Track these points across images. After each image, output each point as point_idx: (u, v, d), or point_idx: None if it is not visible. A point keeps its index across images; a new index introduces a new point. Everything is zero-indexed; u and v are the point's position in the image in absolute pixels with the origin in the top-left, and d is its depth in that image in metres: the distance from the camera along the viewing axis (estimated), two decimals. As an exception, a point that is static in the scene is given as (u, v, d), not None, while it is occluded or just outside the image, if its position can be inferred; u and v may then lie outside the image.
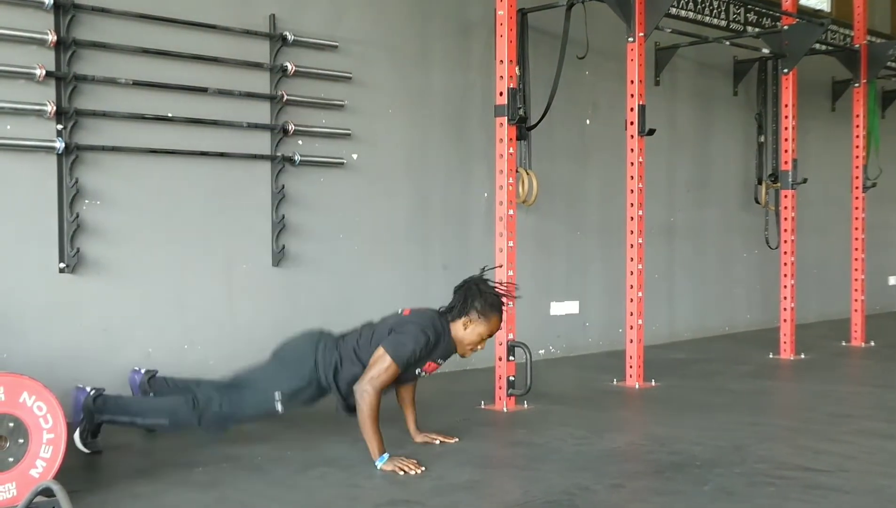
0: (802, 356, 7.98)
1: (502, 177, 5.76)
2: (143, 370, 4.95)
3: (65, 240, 5.22)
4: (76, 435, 4.46)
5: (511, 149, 5.77)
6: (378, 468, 4.24)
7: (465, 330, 4.56)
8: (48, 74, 5.11)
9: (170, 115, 5.65)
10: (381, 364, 4.37)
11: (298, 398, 4.51)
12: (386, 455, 4.27)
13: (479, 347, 4.63)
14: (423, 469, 4.22)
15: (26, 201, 5.14)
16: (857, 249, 8.94)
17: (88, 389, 4.53)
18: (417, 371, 4.58)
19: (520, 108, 6.24)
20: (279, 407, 4.50)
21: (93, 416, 4.49)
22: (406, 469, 4.19)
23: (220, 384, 4.65)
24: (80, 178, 5.27)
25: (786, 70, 8.03)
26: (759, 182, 9.82)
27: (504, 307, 4.71)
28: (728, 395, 6.29)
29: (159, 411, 4.57)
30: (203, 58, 5.79)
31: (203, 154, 5.81)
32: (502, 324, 4.74)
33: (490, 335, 4.63)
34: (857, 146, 8.90)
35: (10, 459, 3.53)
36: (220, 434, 4.63)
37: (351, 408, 4.47)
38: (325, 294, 6.43)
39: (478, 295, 4.56)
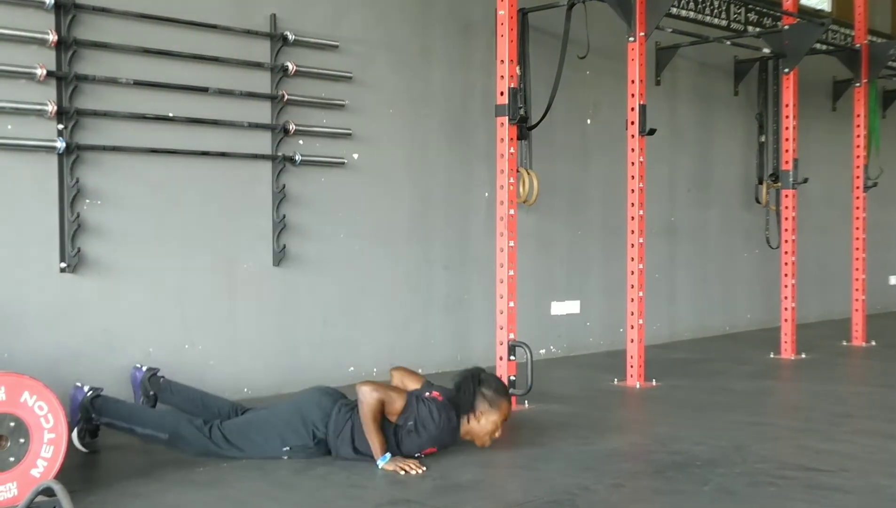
0: (803, 356, 7.98)
1: (503, 177, 5.76)
2: (144, 368, 4.95)
3: (66, 240, 5.22)
4: (74, 435, 4.46)
5: (512, 149, 5.77)
6: (379, 467, 4.24)
7: (479, 423, 4.54)
8: (49, 73, 5.11)
9: (171, 114, 5.65)
10: (394, 399, 4.38)
11: (304, 453, 4.49)
12: (388, 455, 4.27)
13: (496, 434, 4.59)
14: (425, 468, 4.22)
15: (27, 201, 5.14)
16: (857, 248, 8.94)
17: (86, 389, 4.52)
18: (417, 455, 4.48)
19: (520, 107, 6.25)
20: (284, 457, 4.49)
21: (90, 416, 4.48)
22: (407, 468, 4.19)
23: (232, 423, 4.59)
24: (81, 178, 5.27)
25: (786, 70, 8.03)
26: (760, 182, 9.83)
27: (509, 391, 4.70)
28: (729, 395, 6.29)
29: (160, 425, 4.53)
30: (204, 57, 5.79)
31: (204, 154, 5.81)
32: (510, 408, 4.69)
33: (504, 421, 4.59)
34: (858, 146, 8.90)
35: (11, 458, 3.53)
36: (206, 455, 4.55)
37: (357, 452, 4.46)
38: (326, 294, 6.43)
39: (484, 386, 4.54)
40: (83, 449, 4.51)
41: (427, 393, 4.49)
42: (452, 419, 4.47)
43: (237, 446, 4.47)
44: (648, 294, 6.82)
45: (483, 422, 4.53)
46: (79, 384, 4.59)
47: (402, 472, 4.18)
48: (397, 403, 4.39)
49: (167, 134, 5.65)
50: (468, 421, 4.53)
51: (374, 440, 4.29)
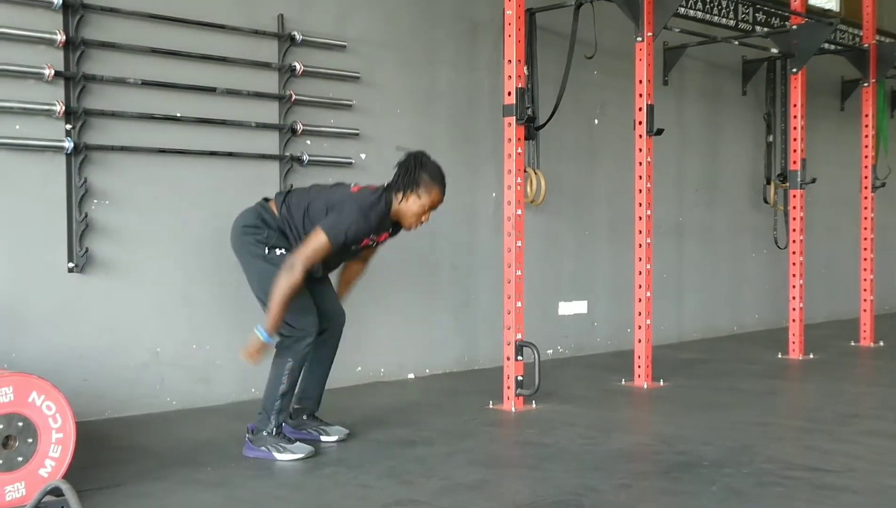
0: (811, 356, 7.96)
1: (510, 177, 5.75)
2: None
3: (73, 240, 5.23)
4: (281, 456, 4.48)
5: (519, 149, 5.77)
6: (255, 334, 4.36)
7: (408, 203, 4.61)
8: (57, 73, 5.13)
9: (178, 115, 5.66)
10: (316, 243, 4.43)
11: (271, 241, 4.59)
12: (269, 338, 4.37)
13: (423, 219, 4.67)
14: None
15: (35, 201, 5.15)
16: (865, 248, 8.91)
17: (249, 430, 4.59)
18: (354, 248, 4.62)
19: (528, 107, 6.24)
20: (276, 254, 4.55)
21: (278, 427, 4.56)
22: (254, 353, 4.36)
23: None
24: (89, 178, 5.28)
25: (794, 70, 8.01)
26: (768, 182, 9.81)
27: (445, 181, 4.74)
28: (736, 395, 6.28)
29: (276, 365, 4.58)
30: (212, 58, 5.80)
31: (212, 154, 5.82)
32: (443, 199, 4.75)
33: (433, 208, 4.68)
34: (866, 146, 8.87)
35: (20, 458, 3.54)
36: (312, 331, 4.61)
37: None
38: (333, 294, 6.43)
39: (421, 167, 4.63)
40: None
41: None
42: (379, 200, 4.55)
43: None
44: (656, 294, 6.81)
45: (411, 203, 4.60)
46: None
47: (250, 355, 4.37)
48: (324, 248, 4.44)
49: (175, 134, 5.66)
50: (399, 202, 4.59)
51: (275, 315, 4.38)
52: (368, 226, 4.52)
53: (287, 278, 4.36)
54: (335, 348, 4.93)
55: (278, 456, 4.44)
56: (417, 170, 4.62)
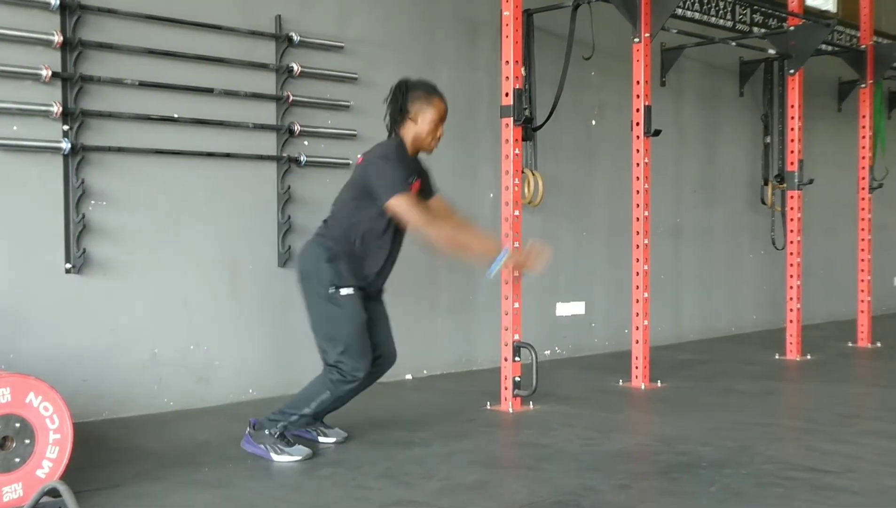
0: (809, 357, 7.96)
1: (508, 177, 5.75)
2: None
3: (71, 241, 5.22)
4: (278, 458, 4.45)
5: (517, 149, 5.76)
6: (494, 274, 4.33)
7: (416, 125, 4.62)
8: (54, 74, 5.12)
9: (176, 115, 5.66)
10: (399, 208, 4.39)
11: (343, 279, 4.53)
12: (505, 251, 4.30)
13: (438, 134, 4.66)
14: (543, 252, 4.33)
15: (33, 202, 5.14)
16: (863, 249, 8.92)
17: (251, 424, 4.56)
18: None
19: (525, 108, 6.24)
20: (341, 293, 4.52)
21: (280, 431, 4.52)
22: (530, 260, 4.28)
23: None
24: (87, 178, 5.28)
25: (792, 71, 8.01)
26: (766, 183, 9.81)
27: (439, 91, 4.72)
28: (734, 396, 6.28)
29: (315, 389, 4.56)
30: (209, 58, 5.80)
31: (209, 155, 5.82)
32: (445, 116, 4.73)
33: (441, 119, 4.65)
34: (864, 147, 8.88)
35: (17, 459, 3.53)
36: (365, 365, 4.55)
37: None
38: (331, 295, 6.42)
39: (408, 89, 4.63)
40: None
41: None
42: (389, 144, 4.58)
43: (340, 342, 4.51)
44: (654, 295, 6.81)
45: (421, 123, 4.60)
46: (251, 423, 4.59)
47: (525, 265, 4.32)
48: (404, 200, 4.39)
49: (172, 135, 5.66)
50: (408, 131, 4.60)
51: (476, 251, 4.34)
52: (403, 166, 4.47)
53: (436, 237, 4.32)
54: (370, 384, 4.79)
55: (275, 457, 4.43)
56: (407, 93, 4.62)
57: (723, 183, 9.70)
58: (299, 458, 4.45)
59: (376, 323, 4.71)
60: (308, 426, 4.79)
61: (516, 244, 5.72)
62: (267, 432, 4.50)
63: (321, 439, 4.80)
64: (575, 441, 4.87)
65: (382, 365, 4.80)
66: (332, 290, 4.52)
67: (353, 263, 4.56)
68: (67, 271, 5.23)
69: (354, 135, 6.50)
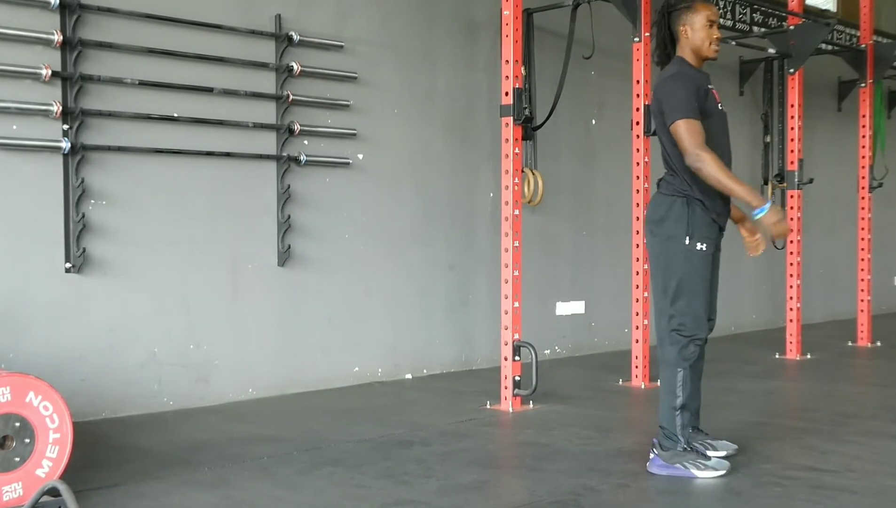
0: (808, 357, 7.96)
1: (508, 177, 5.75)
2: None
3: (71, 240, 5.22)
4: (702, 474, 4.18)
5: (517, 149, 5.76)
6: (758, 218, 4.23)
7: (690, 36, 4.39)
8: (54, 74, 5.12)
9: (175, 115, 5.66)
10: (679, 132, 4.21)
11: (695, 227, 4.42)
12: (767, 205, 4.17)
13: (713, 36, 4.39)
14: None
15: (32, 201, 5.14)
16: (863, 249, 8.92)
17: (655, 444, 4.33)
18: (719, 109, 4.42)
19: (525, 108, 6.23)
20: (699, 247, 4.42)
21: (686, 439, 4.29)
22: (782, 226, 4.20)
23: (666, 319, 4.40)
24: (86, 178, 5.28)
25: (792, 70, 8.01)
26: (766, 182, 9.81)
27: None
28: (734, 395, 6.27)
29: (671, 386, 4.32)
30: (209, 58, 5.80)
31: (209, 154, 5.82)
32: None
33: (710, 21, 4.38)
34: (864, 146, 8.88)
35: (17, 459, 3.53)
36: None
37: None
38: (331, 294, 6.43)
39: (669, 8, 4.44)
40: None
41: None
42: (674, 66, 4.39)
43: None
44: (653, 295, 6.80)
45: (693, 33, 4.37)
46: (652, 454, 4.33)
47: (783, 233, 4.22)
48: (691, 125, 4.23)
49: (172, 134, 5.66)
50: (684, 45, 4.40)
51: (741, 194, 4.23)
52: (691, 83, 4.30)
53: (706, 170, 4.19)
54: (703, 353, 4.46)
55: (698, 474, 4.14)
56: (670, 13, 4.43)
57: (723, 182, 9.68)
58: (723, 472, 4.16)
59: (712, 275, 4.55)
60: (693, 439, 4.40)
61: (516, 243, 5.73)
62: (679, 448, 4.23)
63: (709, 453, 4.39)
64: (574, 441, 4.87)
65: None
66: (687, 241, 4.40)
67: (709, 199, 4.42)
68: (67, 270, 5.23)
69: (354, 134, 6.50)
